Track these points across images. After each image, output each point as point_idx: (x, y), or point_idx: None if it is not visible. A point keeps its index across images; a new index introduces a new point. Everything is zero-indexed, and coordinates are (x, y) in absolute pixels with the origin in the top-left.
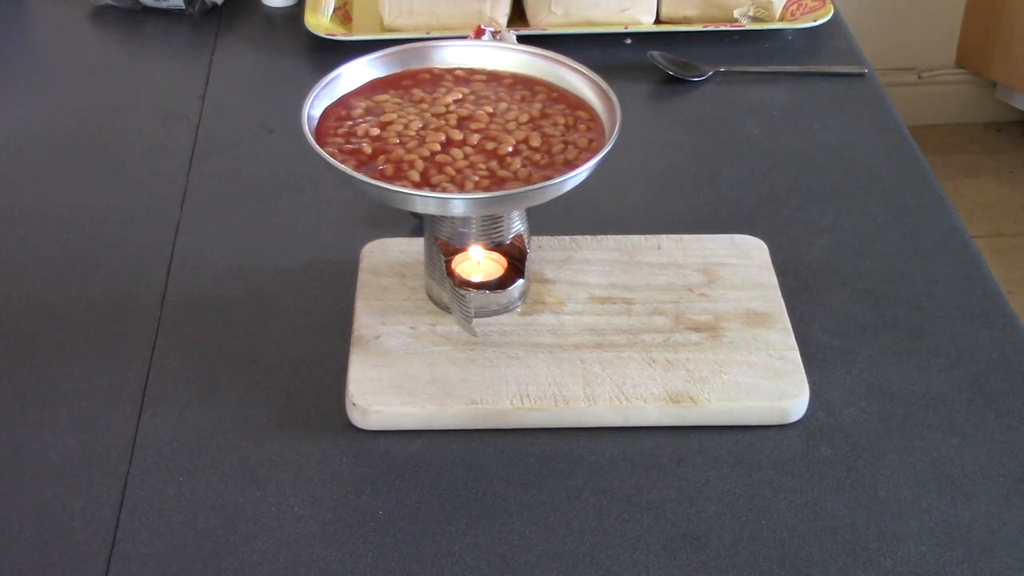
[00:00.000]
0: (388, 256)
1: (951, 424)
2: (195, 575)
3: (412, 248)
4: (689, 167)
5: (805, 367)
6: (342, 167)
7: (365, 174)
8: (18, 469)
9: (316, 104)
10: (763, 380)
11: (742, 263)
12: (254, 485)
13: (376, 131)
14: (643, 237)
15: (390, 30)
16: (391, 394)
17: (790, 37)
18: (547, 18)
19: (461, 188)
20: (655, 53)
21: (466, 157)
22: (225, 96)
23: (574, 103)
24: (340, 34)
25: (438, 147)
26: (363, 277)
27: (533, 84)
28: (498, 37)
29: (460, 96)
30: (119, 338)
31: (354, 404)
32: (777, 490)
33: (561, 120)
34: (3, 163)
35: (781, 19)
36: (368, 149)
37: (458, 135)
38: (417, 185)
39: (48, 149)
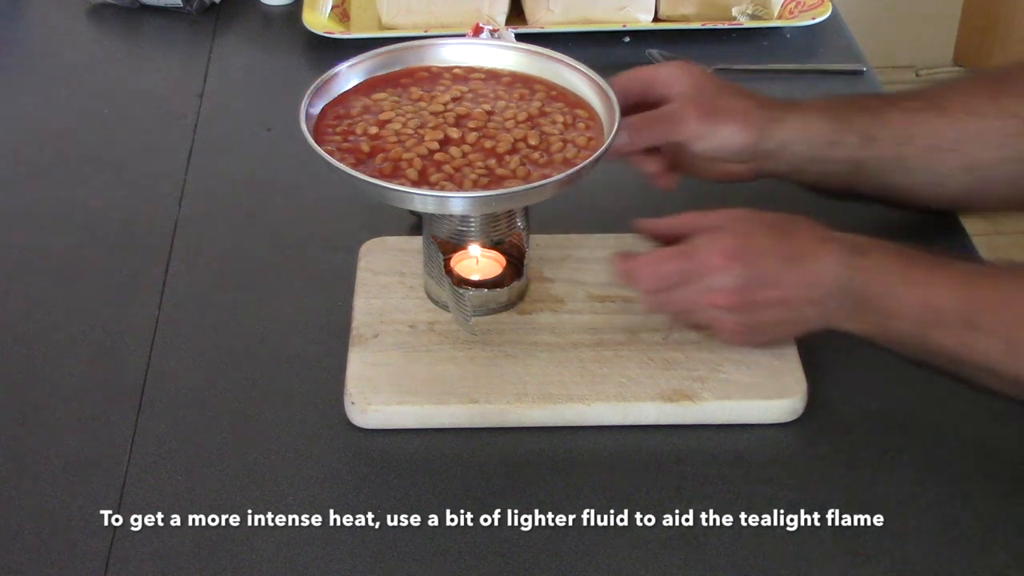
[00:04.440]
0: (386, 254)
1: (951, 423)
2: (194, 575)
3: (410, 246)
4: None
5: (804, 365)
6: (340, 165)
7: (363, 172)
8: (16, 469)
9: (314, 102)
10: (762, 378)
11: None
12: (252, 484)
13: (374, 129)
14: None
15: (388, 28)
16: (390, 392)
17: (788, 35)
18: (545, 16)
19: (459, 186)
20: (653, 51)
21: (464, 155)
22: (223, 94)
23: (573, 101)
24: (338, 32)
25: (436, 145)
26: (361, 275)
27: (531, 82)
28: (496, 35)
29: (458, 94)
30: (117, 337)
31: (353, 402)
32: (776, 489)
33: (560, 118)
34: (0, 161)
35: (779, 17)
36: (366, 147)
37: (456, 133)
38: (415, 183)
39: (45, 147)
